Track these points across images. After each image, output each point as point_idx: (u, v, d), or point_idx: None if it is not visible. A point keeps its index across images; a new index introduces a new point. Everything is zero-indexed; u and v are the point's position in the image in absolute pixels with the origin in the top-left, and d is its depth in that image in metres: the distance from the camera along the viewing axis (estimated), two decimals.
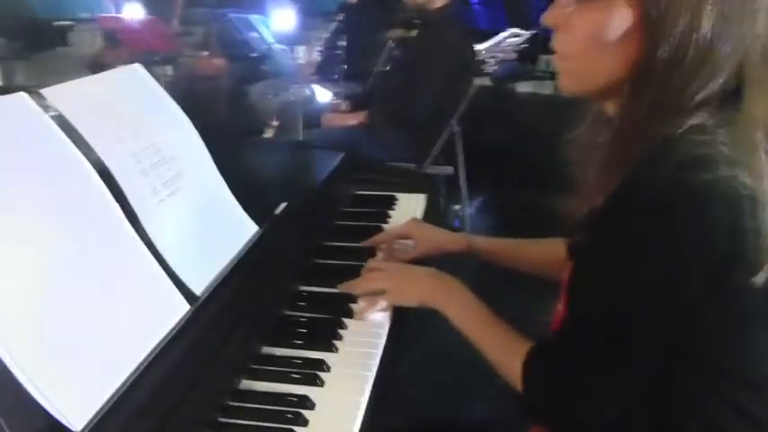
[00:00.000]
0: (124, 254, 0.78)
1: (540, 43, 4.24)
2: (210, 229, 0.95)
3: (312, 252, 1.20)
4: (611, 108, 0.82)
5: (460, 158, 2.77)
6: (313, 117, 3.02)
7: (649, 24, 0.71)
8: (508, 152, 4.25)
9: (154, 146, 0.91)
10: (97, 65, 4.72)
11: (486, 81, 4.71)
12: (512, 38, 4.13)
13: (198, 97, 5.10)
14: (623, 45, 0.74)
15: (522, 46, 4.20)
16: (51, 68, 5.52)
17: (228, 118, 4.32)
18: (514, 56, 4.22)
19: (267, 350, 0.92)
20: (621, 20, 0.73)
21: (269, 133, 3.35)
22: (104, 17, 4.66)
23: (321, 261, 1.19)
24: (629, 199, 0.72)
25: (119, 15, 4.60)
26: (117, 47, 4.71)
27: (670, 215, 0.69)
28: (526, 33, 4.16)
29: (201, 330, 0.81)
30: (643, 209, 0.71)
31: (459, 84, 2.70)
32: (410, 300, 1.01)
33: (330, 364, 0.88)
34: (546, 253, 1.16)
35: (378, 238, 1.23)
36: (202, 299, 0.84)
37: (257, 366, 0.88)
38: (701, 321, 0.72)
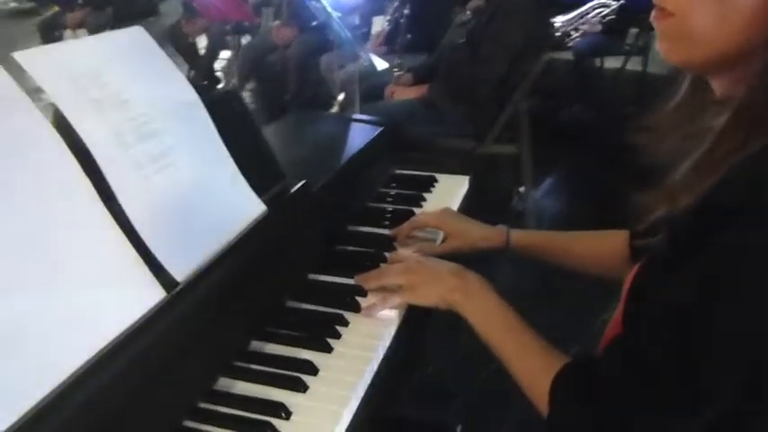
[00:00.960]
0: (90, 233, 0.71)
1: (630, 15, 3.93)
2: (205, 209, 0.87)
3: (331, 237, 1.10)
4: (719, 87, 0.66)
5: (526, 137, 2.58)
6: (377, 89, 2.91)
7: None
8: (585, 133, 3.99)
9: (142, 116, 0.83)
10: (175, 35, 4.80)
11: (568, 55, 4.46)
12: (598, 9, 3.85)
13: (267, 69, 5.12)
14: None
15: (609, 18, 3.91)
16: None
17: (296, 91, 4.30)
18: (600, 28, 3.94)
19: (256, 345, 0.84)
20: None
21: (335, 108, 3.28)
22: None
23: (341, 247, 1.10)
24: (744, 215, 0.57)
25: None
26: (195, 17, 4.77)
27: None
28: (614, 4, 3.86)
29: (176, 321, 0.73)
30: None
31: (529, 58, 2.51)
32: (427, 299, 0.90)
33: (319, 366, 0.79)
34: (601, 248, 1.02)
35: (402, 228, 1.12)
36: (180, 287, 0.76)
37: (240, 364, 0.80)
38: None
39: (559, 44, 4.68)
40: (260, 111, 4.29)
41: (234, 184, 0.94)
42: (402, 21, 3.07)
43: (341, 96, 3.16)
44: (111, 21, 5.13)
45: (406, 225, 1.11)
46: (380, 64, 2.56)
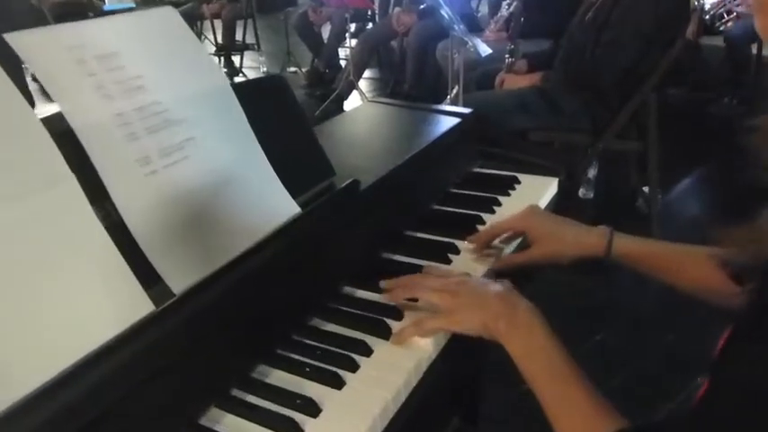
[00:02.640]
0: (71, 235, 0.64)
1: None
2: (224, 209, 0.78)
3: (378, 245, 0.98)
4: None
5: (654, 133, 2.29)
6: (490, 77, 2.72)
7: None
8: (728, 131, 3.53)
9: (157, 105, 0.76)
10: (300, 25, 4.86)
11: (719, 41, 3.97)
12: None
13: (386, 57, 5.04)
14: None
15: None
16: (275, 27, 5.87)
17: (414, 80, 4.18)
18: None
19: (262, 371, 0.74)
20: None
21: (448, 99, 3.12)
22: None
23: (387, 256, 0.97)
24: None
25: None
26: (321, 6, 4.81)
27: None
28: None
29: (164, 338, 0.64)
30: None
31: (662, 43, 2.21)
32: (467, 325, 0.75)
33: (322, 404, 0.67)
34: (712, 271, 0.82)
35: (480, 236, 0.96)
36: (173, 300, 0.67)
37: (234, 394, 0.70)
38: None
39: (709, 28, 4.21)
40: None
41: (263, 181, 0.84)
42: (517, 3, 2.84)
43: (455, 89, 3.01)
44: (249, 11, 5.31)
45: (484, 232, 0.96)
46: (484, 49, 2.37)
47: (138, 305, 0.66)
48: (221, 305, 0.70)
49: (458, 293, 0.76)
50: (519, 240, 0.98)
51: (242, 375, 0.72)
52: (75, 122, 0.67)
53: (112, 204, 0.68)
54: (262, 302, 0.75)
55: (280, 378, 0.72)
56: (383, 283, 0.83)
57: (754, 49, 3.83)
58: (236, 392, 0.70)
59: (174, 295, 0.69)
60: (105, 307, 0.64)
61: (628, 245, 0.87)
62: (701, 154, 3.25)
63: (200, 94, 0.81)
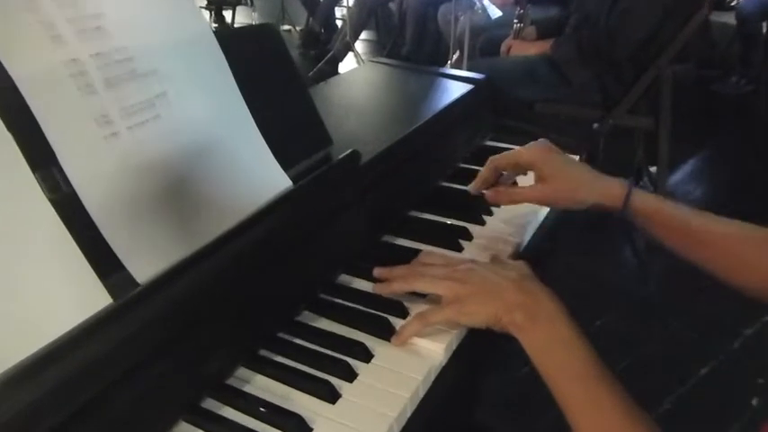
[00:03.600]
0: (4, 211, 0.51)
1: None
2: (199, 184, 0.66)
3: (380, 227, 0.85)
4: None
5: (667, 109, 2.16)
6: (496, 43, 2.57)
7: None
8: (740, 110, 3.41)
9: (120, 52, 0.62)
10: None
11: (730, 17, 3.82)
12: None
13: (384, 19, 4.85)
14: None
15: None
16: None
17: (413, 44, 4.01)
18: None
19: (242, 376, 0.62)
20: None
21: (449, 65, 2.97)
22: None
23: (391, 240, 0.85)
24: None
25: None
26: None
27: None
28: None
29: (123, 339, 0.53)
30: None
31: (681, 15, 2.07)
32: (477, 317, 0.64)
33: (312, 421, 0.55)
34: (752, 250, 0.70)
35: (483, 173, 0.83)
36: (135, 293, 0.55)
37: (206, 407, 0.58)
38: None
39: (720, 3, 4.05)
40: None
41: (249, 148, 0.72)
42: None
43: (455, 55, 2.85)
44: None
45: (486, 168, 0.83)
46: (494, 12, 2.22)
47: (92, 297, 0.54)
48: (194, 298, 0.58)
49: (466, 281, 0.65)
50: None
51: (216, 383, 0.61)
52: (16, 70, 0.54)
53: (62, 173, 0.55)
54: (242, 294, 0.63)
55: (263, 386, 0.61)
56: (377, 272, 0.72)
57: (765, 28, 3.69)
58: (208, 404, 0.59)
59: (138, 285, 0.57)
60: (50, 300, 0.52)
61: (648, 202, 0.74)
62: (706, 133, 3.14)
63: (175, 41, 0.68)
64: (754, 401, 1.63)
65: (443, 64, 3.15)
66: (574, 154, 1.05)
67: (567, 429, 0.58)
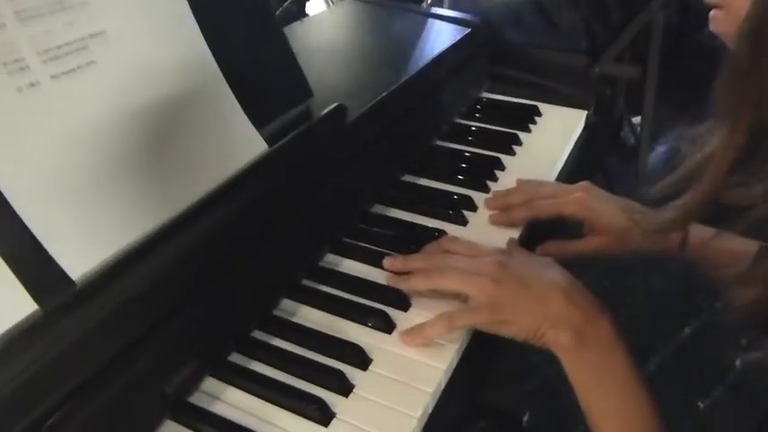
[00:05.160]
0: None
1: None
2: (147, 150, 0.52)
3: (369, 194, 0.73)
4: None
5: (655, 58, 2.05)
6: None
7: None
8: (718, 61, 3.33)
9: None
10: None
11: None
12: None
13: None
14: None
15: None
16: None
17: None
18: None
19: (211, 388, 0.50)
20: None
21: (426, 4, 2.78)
22: None
23: (383, 211, 0.72)
24: None
25: None
26: None
27: None
28: None
29: (60, 349, 0.40)
30: None
31: None
32: (514, 328, 0.53)
33: None
34: None
35: (519, 213, 0.69)
36: (73, 293, 0.43)
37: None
38: None
39: None
40: None
41: (212, 102, 0.58)
42: None
43: None
44: None
45: (524, 210, 0.68)
46: None
47: (10, 301, 0.41)
48: (145, 297, 0.46)
49: (501, 281, 0.53)
50: None
51: (179, 400, 0.49)
52: None
53: None
54: (204, 289, 0.50)
55: (234, 400, 0.49)
56: (387, 262, 0.60)
57: None
58: (169, 428, 0.47)
59: (73, 284, 0.44)
60: None
61: (708, 237, 0.61)
62: (680, 83, 3.06)
63: None
64: (738, 362, 1.59)
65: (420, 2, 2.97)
66: (581, 108, 0.94)
67: None
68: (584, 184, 0.69)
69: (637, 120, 2.42)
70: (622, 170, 2.53)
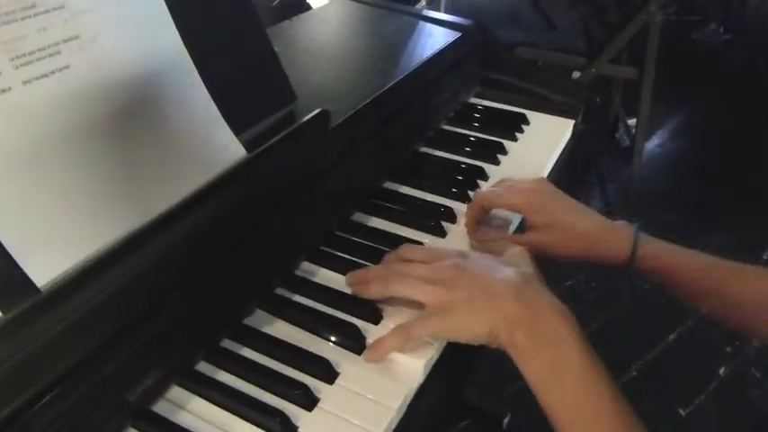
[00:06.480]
0: None
1: None
2: (122, 158, 0.51)
3: (349, 203, 0.73)
4: None
5: (651, 59, 2.04)
6: None
7: None
8: (714, 60, 3.32)
9: None
10: None
11: None
12: None
13: None
14: None
15: None
16: None
17: None
18: None
19: (175, 398, 0.50)
20: None
21: (421, 5, 2.76)
22: None
23: (362, 219, 0.72)
24: None
25: None
26: None
27: None
28: None
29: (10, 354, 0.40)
30: None
31: None
32: (468, 333, 0.53)
33: None
34: None
35: (468, 211, 0.70)
36: (37, 300, 0.43)
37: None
38: None
39: None
40: None
41: (190, 106, 0.57)
42: None
43: None
44: None
45: (472, 205, 0.70)
46: None
47: None
48: (114, 305, 0.46)
49: (453, 285, 0.53)
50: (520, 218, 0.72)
51: (143, 410, 0.49)
52: None
53: None
54: (174, 295, 0.50)
55: (200, 413, 0.49)
56: (349, 279, 0.60)
57: None
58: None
59: (39, 291, 0.44)
60: None
61: (657, 252, 0.63)
62: (684, 83, 3.05)
63: None
64: (722, 370, 1.60)
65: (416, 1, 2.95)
66: (569, 118, 0.94)
67: None
68: (537, 178, 0.69)
69: (632, 121, 2.43)
70: (616, 172, 2.54)
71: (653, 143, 2.61)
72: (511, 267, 0.55)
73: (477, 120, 0.91)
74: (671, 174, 2.44)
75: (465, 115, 0.93)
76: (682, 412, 1.51)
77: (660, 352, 1.66)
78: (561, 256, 0.64)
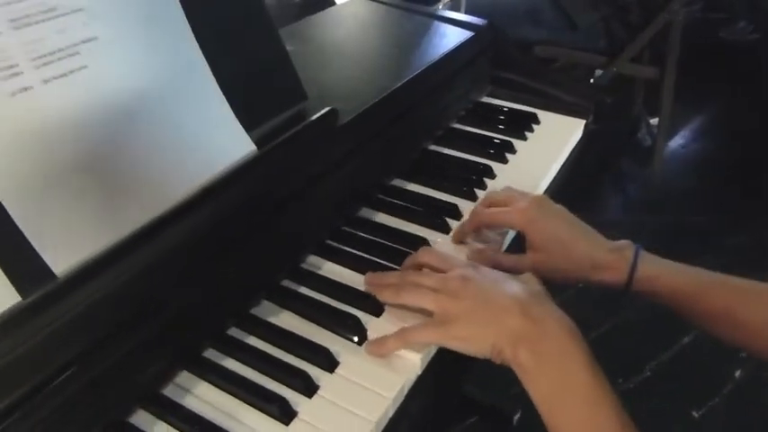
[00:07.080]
0: None
1: None
2: (138, 152, 0.54)
3: (357, 199, 0.75)
4: None
5: (673, 58, 2.03)
6: None
7: None
8: (740, 59, 3.27)
9: None
10: None
11: None
12: None
13: None
14: None
15: None
16: None
17: None
18: None
19: (182, 383, 0.53)
20: None
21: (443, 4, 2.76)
22: None
23: (369, 216, 0.74)
24: None
25: None
26: None
27: None
28: None
29: (32, 347, 0.43)
30: None
31: None
32: (470, 345, 0.54)
33: None
34: None
35: (464, 226, 0.70)
36: (51, 287, 0.45)
37: (134, 422, 0.49)
38: None
39: None
40: None
41: (203, 105, 0.60)
42: None
43: None
44: None
45: (468, 221, 0.69)
46: None
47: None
48: (126, 293, 0.48)
49: (458, 295, 0.54)
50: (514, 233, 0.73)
51: (151, 392, 0.51)
52: None
53: None
54: (182, 287, 0.53)
55: (205, 398, 0.52)
56: (368, 277, 0.62)
57: None
58: (139, 417, 0.50)
59: (56, 277, 0.47)
60: None
61: (658, 272, 0.61)
62: (709, 83, 3.01)
63: None
64: (737, 373, 1.59)
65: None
66: (580, 118, 0.95)
67: None
68: (537, 195, 0.68)
69: (654, 121, 2.41)
70: (637, 171, 2.52)
71: (676, 143, 2.58)
72: (519, 283, 0.55)
73: (487, 119, 0.93)
74: (693, 174, 2.42)
75: (475, 114, 0.95)
76: (695, 414, 1.51)
77: (675, 353, 1.66)
78: (559, 278, 0.64)
